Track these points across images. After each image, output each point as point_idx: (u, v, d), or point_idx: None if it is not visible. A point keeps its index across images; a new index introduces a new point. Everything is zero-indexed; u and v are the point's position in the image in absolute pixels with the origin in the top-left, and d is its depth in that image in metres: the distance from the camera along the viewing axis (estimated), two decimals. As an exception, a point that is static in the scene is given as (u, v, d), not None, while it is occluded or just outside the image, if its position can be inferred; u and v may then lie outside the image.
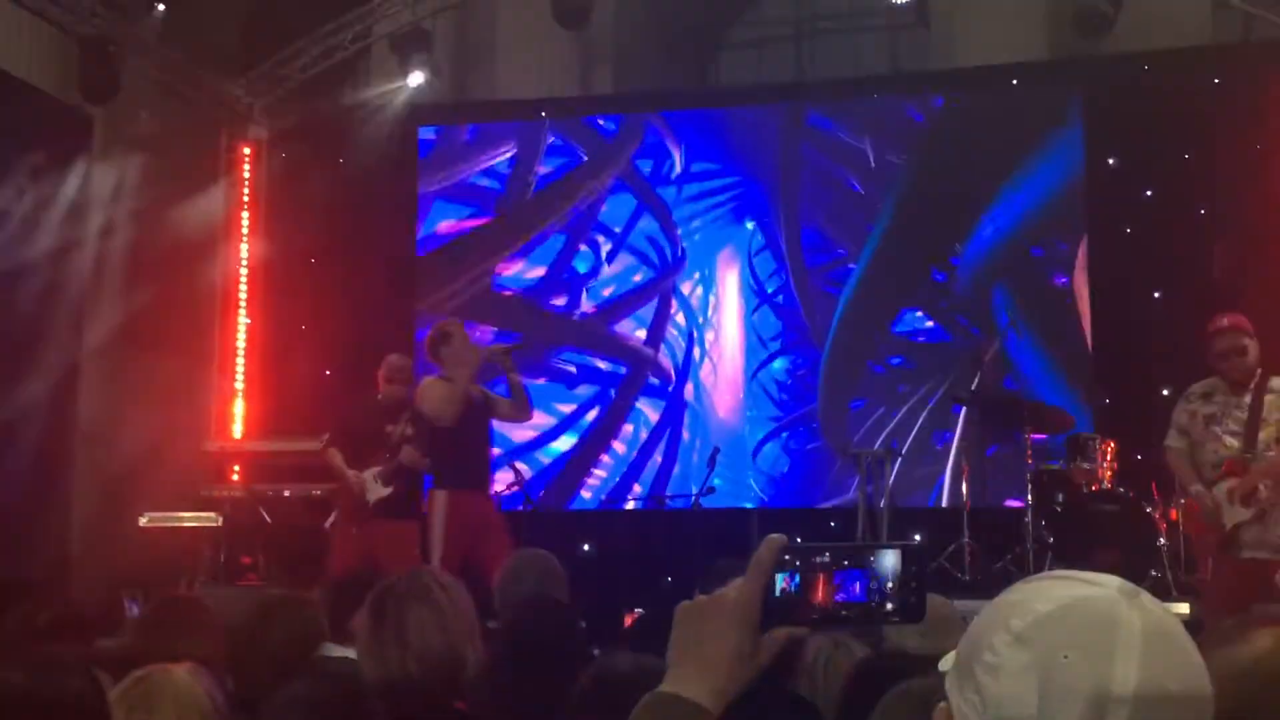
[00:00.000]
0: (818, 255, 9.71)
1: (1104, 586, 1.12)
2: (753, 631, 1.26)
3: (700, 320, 9.89)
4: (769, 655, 1.27)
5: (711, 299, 9.89)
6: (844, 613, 1.26)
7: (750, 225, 9.86)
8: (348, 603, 3.49)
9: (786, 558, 1.26)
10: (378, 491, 7.15)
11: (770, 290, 9.76)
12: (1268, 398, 5.76)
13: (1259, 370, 5.86)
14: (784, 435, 9.60)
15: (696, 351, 9.87)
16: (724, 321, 9.85)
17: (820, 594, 1.26)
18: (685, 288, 9.95)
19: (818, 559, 1.27)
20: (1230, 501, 5.71)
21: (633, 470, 9.81)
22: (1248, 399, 5.78)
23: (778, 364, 9.70)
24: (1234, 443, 5.76)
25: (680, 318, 9.95)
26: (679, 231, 9.98)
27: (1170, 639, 1.09)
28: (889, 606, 1.26)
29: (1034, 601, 1.12)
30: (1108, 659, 1.07)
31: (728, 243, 9.89)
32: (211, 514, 8.60)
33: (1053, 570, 1.20)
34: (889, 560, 1.27)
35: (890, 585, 1.26)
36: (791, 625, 1.26)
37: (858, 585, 1.26)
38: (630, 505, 9.66)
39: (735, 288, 9.85)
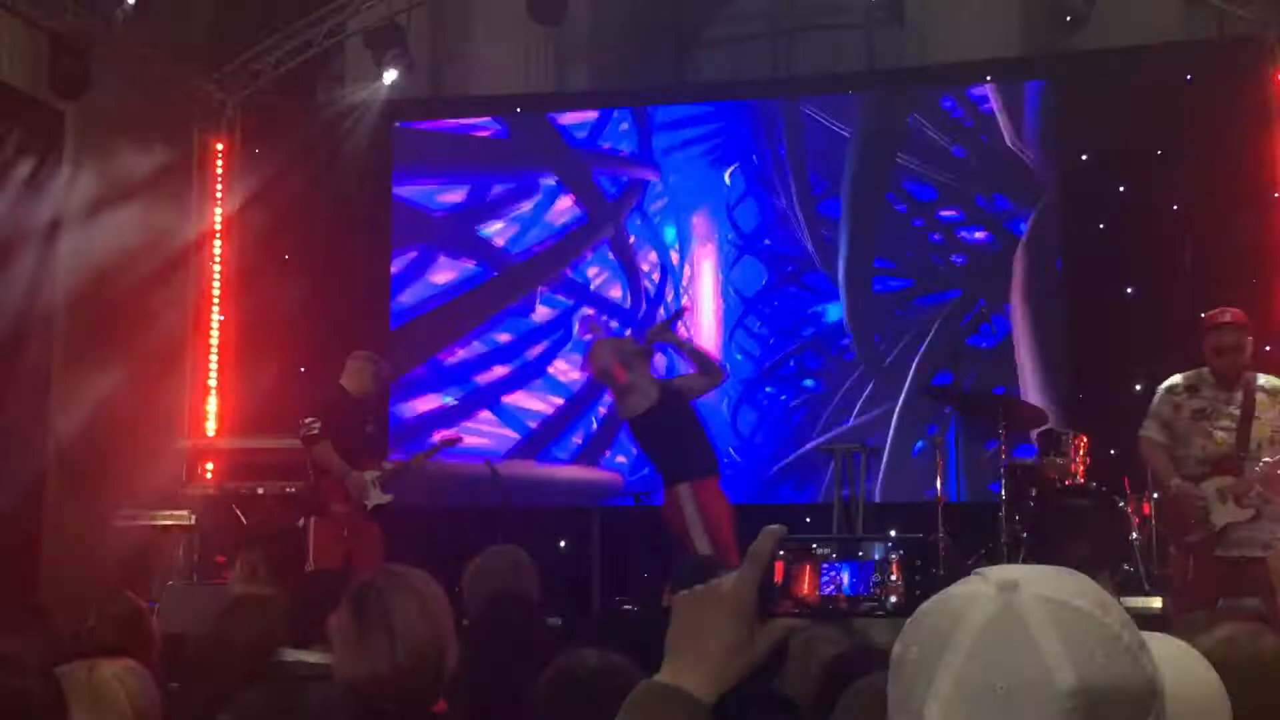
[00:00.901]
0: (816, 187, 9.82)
1: (985, 582, 1.10)
2: (749, 623, 1.27)
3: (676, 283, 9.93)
4: (766, 647, 1.29)
5: (687, 268, 9.92)
6: (830, 605, 1.28)
7: (729, 174, 9.88)
8: (315, 605, 3.47)
9: (782, 551, 1.26)
10: (378, 498, 7.12)
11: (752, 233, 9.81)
12: (1259, 396, 5.67)
13: (1245, 367, 5.80)
14: (759, 393, 9.63)
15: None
16: (700, 288, 9.87)
17: (812, 586, 1.27)
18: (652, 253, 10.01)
19: (814, 551, 1.27)
20: (1223, 500, 5.60)
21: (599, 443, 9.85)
22: (1239, 395, 5.68)
23: (752, 318, 9.72)
24: (1226, 439, 5.65)
25: (655, 275, 9.98)
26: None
27: (1018, 634, 1.06)
28: (891, 600, 1.27)
29: (927, 601, 1.12)
30: (938, 655, 1.07)
31: (704, 200, 9.92)
32: (184, 512, 8.54)
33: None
34: (882, 554, 1.27)
35: (892, 579, 1.26)
36: (784, 616, 1.27)
37: (847, 578, 1.27)
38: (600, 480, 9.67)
39: (712, 246, 9.87)
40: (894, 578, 1.28)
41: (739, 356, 9.69)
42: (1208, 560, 5.67)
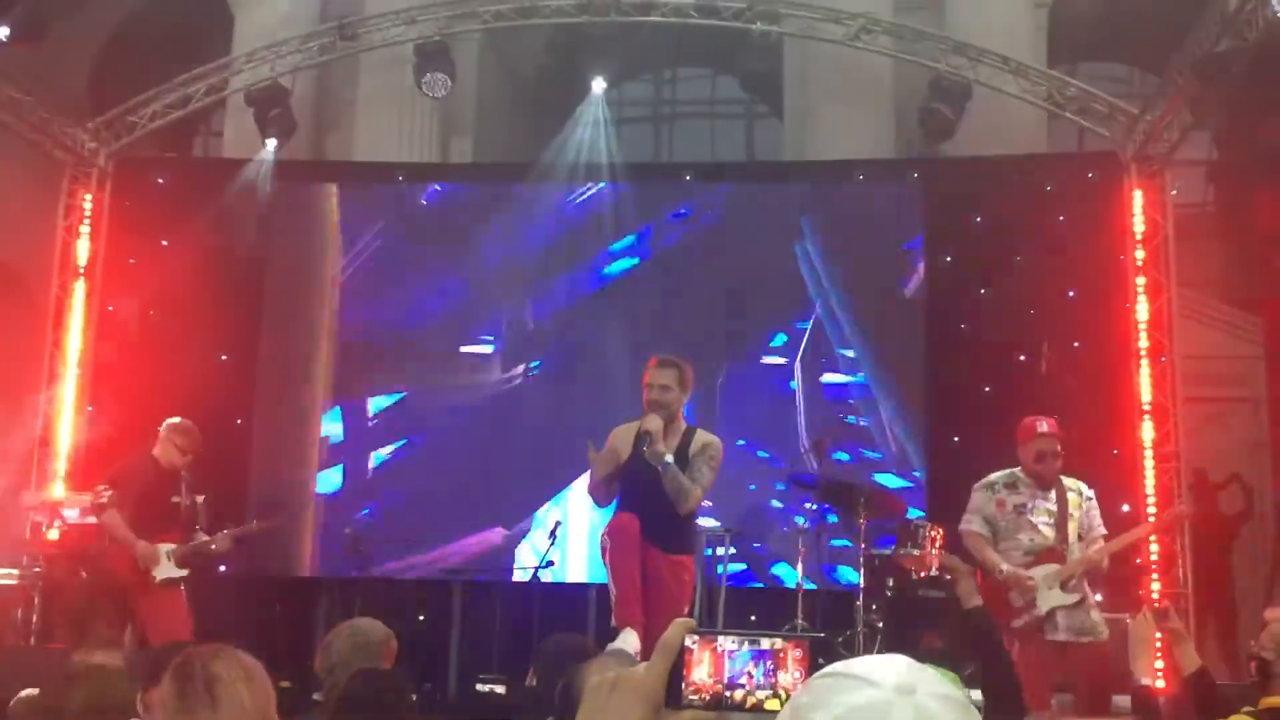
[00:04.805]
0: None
1: (880, 687, 1.15)
2: (656, 711, 1.29)
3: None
4: None
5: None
6: (729, 694, 1.31)
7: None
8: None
9: (687, 641, 1.29)
10: (169, 571, 6.90)
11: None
12: (1070, 496, 6.23)
13: None
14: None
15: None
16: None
17: (712, 675, 1.30)
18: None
19: (715, 641, 1.31)
20: (1049, 586, 6.04)
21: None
22: (1053, 494, 6.23)
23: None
24: (1049, 532, 6.15)
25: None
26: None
27: None
28: (785, 695, 1.30)
29: (815, 710, 1.14)
30: None
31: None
32: (25, 571, 8.21)
33: (845, 663, 1.23)
34: (780, 647, 1.30)
35: (796, 676, 1.29)
36: (686, 707, 1.29)
37: (746, 668, 1.30)
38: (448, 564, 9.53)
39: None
40: (795, 671, 1.32)
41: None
42: (1037, 644, 6.03)
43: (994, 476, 6.36)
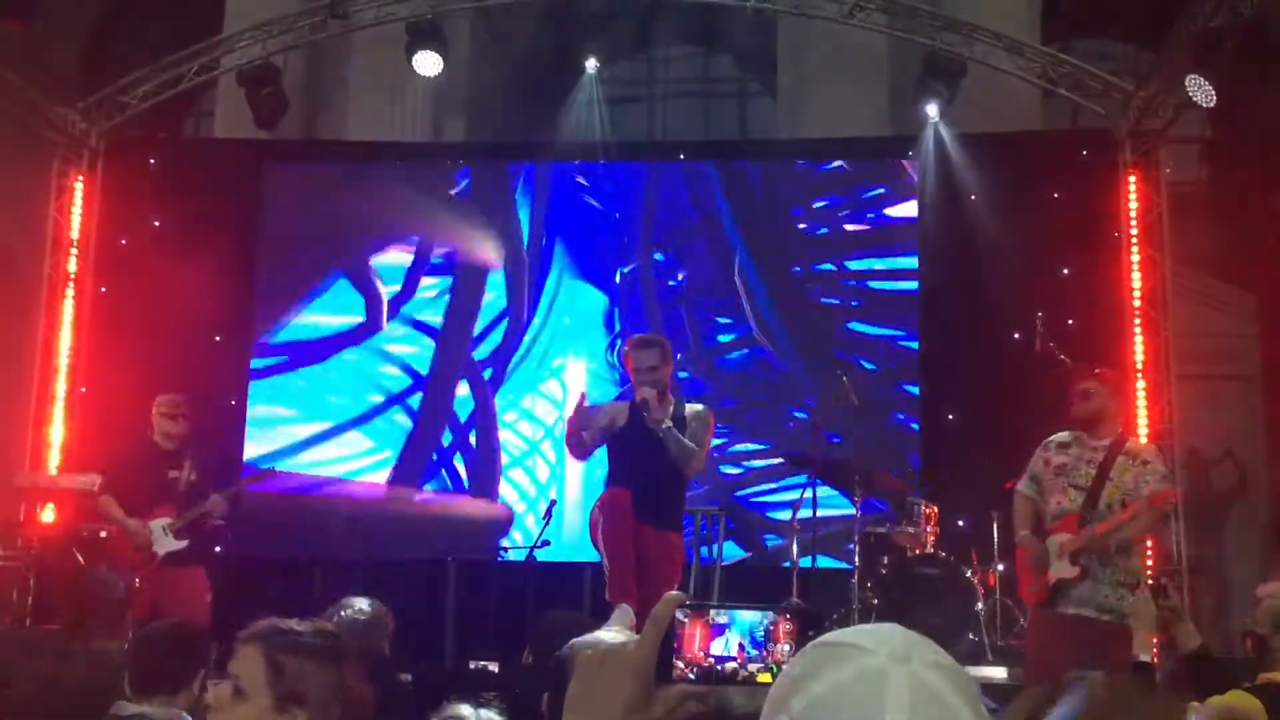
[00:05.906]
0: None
1: (876, 655, 1.14)
2: (647, 685, 1.29)
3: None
4: (664, 709, 1.31)
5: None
6: (720, 667, 1.32)
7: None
8: (154, 656, 3.39)
9: (679, 615, 1.29)
10: (169, 545, 6.93)
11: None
12: (1120, 458, 5.71)
13: (1120, 430, 5.89)
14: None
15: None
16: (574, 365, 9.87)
17: (702, 649, 1.31)
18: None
19: (706, 614, 1.31)
20: (1060, 556, 5.64)
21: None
22: (1101, 456, 5.73)
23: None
24: (1077, 497, 5.69)
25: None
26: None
27: (941, 706, 1.11)
28: (776, 668, 1.30)
29: (810, 680, 1.14)
30: None
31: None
32: (19, 552, 8.20)
33: (839, 632, 1.22)
34: (772, 620, 1.31)
35: (781, 645, 1.30)
36: (671, 680, 1.29)
37: (737, 641, 1.31)
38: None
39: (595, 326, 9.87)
40: (785, 644, 1.32)
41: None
42: (1048, 616, 5.74)
43: (1056, 434, 5.93)
